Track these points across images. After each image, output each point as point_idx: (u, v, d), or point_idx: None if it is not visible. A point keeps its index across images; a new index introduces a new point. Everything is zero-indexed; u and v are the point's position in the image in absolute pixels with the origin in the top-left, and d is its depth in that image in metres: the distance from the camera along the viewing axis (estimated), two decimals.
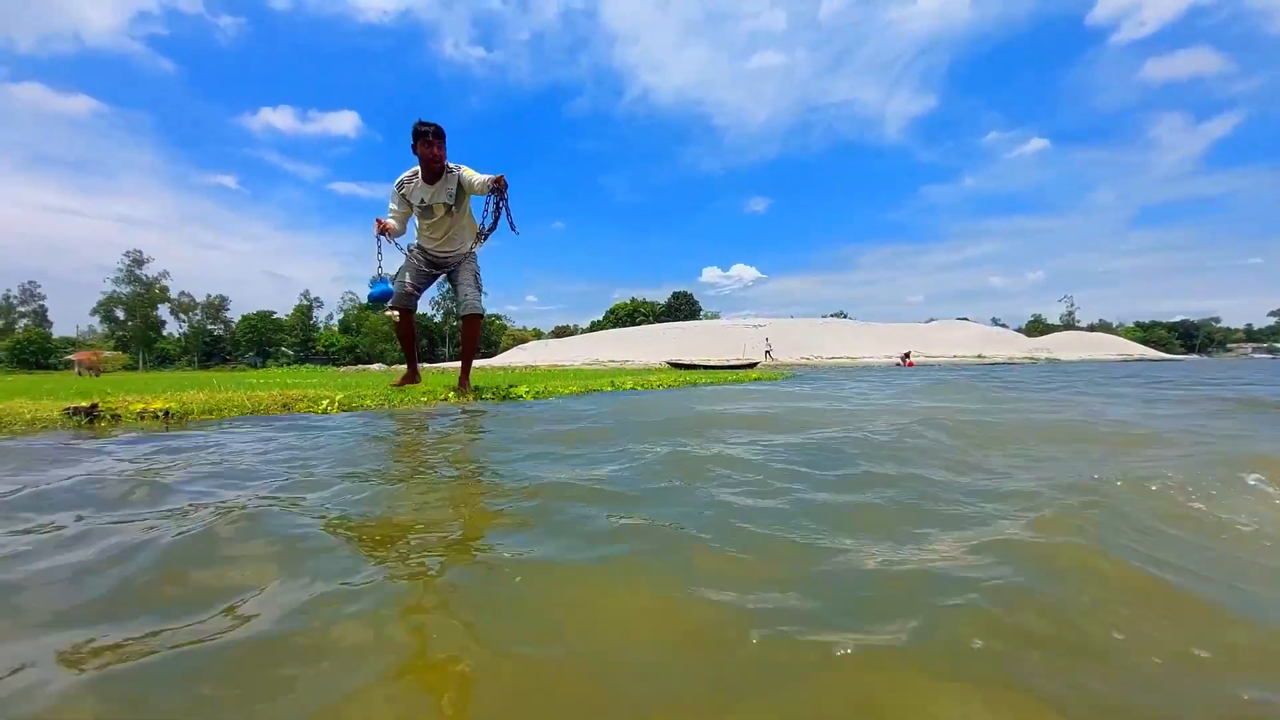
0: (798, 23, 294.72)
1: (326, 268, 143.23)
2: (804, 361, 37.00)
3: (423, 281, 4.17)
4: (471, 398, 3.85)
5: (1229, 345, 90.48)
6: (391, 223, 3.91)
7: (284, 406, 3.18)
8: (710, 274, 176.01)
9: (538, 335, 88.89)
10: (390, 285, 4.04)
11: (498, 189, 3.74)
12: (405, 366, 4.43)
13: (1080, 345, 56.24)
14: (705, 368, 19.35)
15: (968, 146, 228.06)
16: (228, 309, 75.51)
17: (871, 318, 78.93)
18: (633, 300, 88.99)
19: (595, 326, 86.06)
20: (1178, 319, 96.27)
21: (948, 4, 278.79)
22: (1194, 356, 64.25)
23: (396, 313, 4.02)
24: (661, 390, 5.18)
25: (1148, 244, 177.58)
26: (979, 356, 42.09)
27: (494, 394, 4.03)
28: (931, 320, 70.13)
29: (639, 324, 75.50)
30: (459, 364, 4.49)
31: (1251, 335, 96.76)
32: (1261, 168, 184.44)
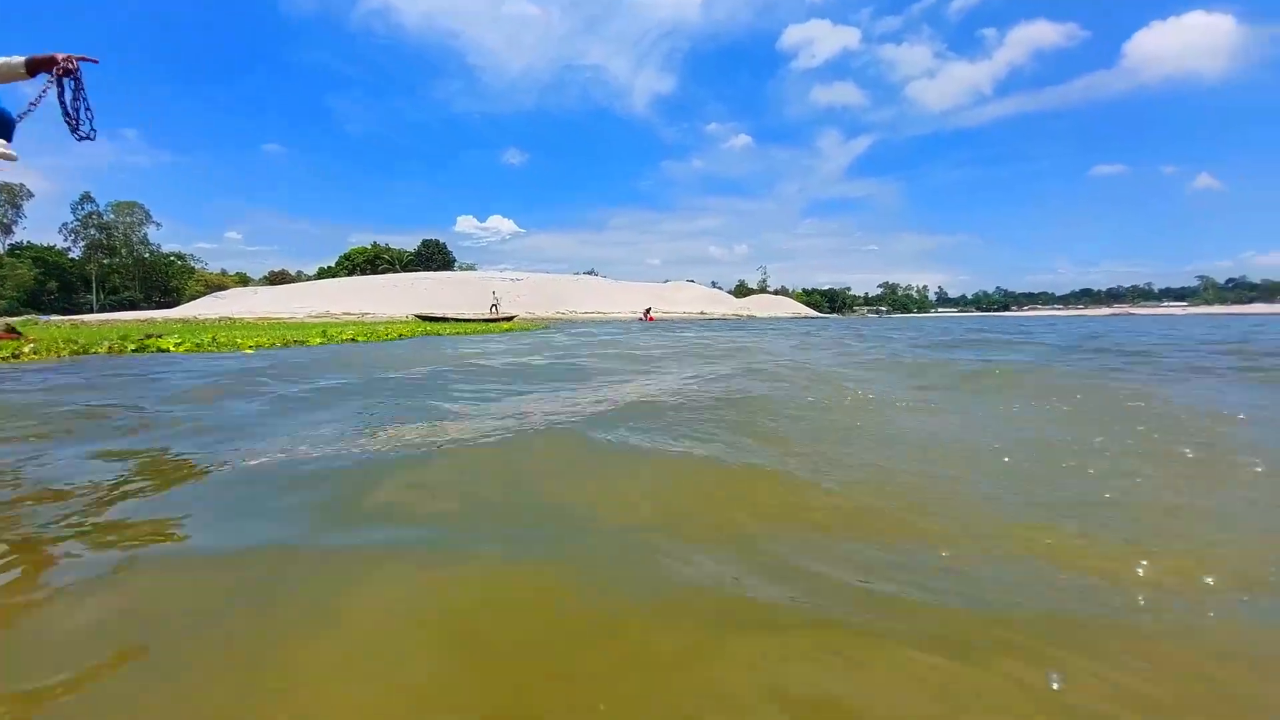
0: None
1: None
2: (559, 315, 38.61)
3: None
4: (14, 349, 2.85)
5: (854, 308, 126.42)
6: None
7: None
8: (466, 223, 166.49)
9: (244, 281, 71.88)
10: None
11: (63, 68, 2.61)
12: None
13: (768, 306, 72.32)
14: (458, 320, 18.81)
15: (697, 131, 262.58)
16: None
17: (621, 276, 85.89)
18: (375, 245, 78.30)
19: (326, 274, 73.74)
20: (826, 288, 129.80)
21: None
22: (835, 316, 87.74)
23: None
24: (391, 342, 4.81)
25: (813, 230, 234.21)
26: (701, 313, 50.10)
27: (114, 345, 3.15)
28: (668, 281, 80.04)
29: (383, 272, 67.34)
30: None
31: (868, 301, 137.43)
32: (882, 180, 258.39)
